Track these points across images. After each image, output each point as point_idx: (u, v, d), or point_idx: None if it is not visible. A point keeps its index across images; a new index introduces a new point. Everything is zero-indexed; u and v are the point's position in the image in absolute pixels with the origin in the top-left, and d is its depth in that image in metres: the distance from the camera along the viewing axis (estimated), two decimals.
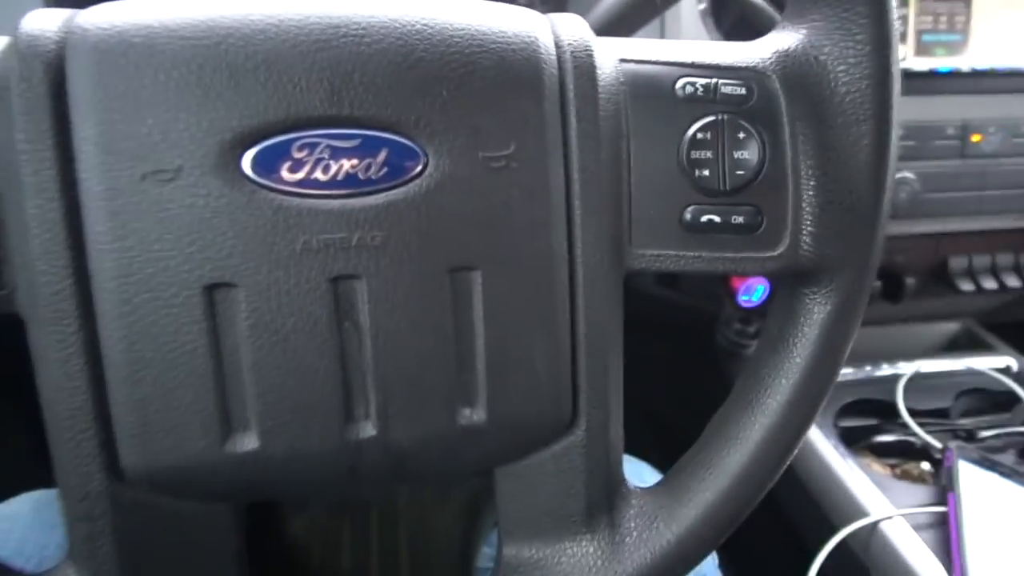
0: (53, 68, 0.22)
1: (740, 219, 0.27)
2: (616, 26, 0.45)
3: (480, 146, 0.25)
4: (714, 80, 0.27)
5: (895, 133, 0.28)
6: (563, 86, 0.26)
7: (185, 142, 0.22)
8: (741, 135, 0.27)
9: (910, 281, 0.65)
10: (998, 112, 0.59)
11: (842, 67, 0.27)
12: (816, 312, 0.29)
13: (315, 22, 0.24)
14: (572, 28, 0.27)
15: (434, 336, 0.26)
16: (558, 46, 0.26)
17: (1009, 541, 0.50)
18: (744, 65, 0.28)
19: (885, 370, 0.70)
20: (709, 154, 0.27)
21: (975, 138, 0.58)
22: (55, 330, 0.23)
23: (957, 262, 0.66)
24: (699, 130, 0.27)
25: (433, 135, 0.24)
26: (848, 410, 0.65)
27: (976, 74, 0.58)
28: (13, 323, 0.24)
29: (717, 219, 0.27)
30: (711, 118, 0.27)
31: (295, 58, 0.23)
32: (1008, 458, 0.59)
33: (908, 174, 0.57)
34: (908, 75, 0.56)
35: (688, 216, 0.27)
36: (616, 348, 0.28)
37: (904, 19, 0.56)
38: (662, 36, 0.57)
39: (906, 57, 0.56)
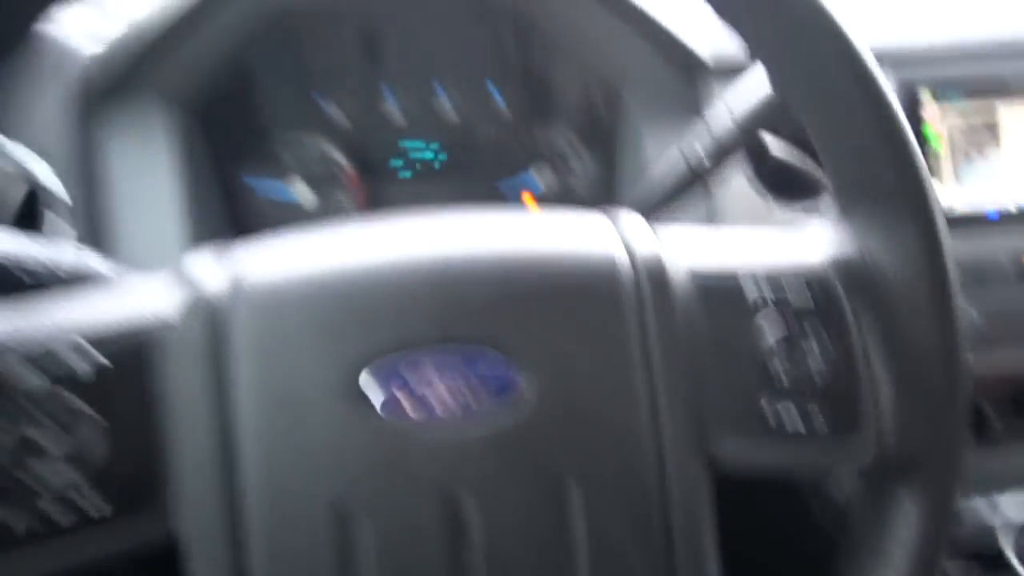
0: (220, 321, 0.26)
1: (819, 417, 0.28)
2: (667, 199, 0.49)
3: (570, 365, 0.27)
4: (783, 295, 0.29)
5: (960, 318, 0.28)
6: (641, 303, 0.28)
7: (321, 378, 0.26)
8: (814, 343, 0.28)
9: (994, 423, 0.62)
10: None
11: (895, 267, 0.28)
12: (908, 510, 0.28)
13: (424, 268, 0.28)
14: (642, 240, 0.30)
15: (539, 553, 0.27)
16: (633, 264, 0.29)
17: None
18: (807, 273, 0.29)
19: (987, 509, 0.65)
20: (786, 362, 0.28)
21: None
22: (209, 551, 0.25)
23: None
24: (772, 337, 0.28)
25: (524, 358, 0.26)
26: (953, 557, 0.61)
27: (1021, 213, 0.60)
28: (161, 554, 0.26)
29: (797, 417, 0.28)
30: (781, 324, 0.28)
31: (408, 300, 0.27)
32: None
33: (974, 313, 0.57)
34: (954, 218, 0.59)
35: (768, 414, 0.28)
36: (711, 547, 0.28)
37: (938, 162, 0.59)
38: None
39: (950, 198, 0.59)
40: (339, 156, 0.66)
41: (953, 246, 0.59)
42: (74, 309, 0.27)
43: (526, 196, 0.68)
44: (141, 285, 0.30)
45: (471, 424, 0.26)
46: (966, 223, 0.59)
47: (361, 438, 0.26)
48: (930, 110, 0.60)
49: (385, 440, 0.26)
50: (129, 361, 0.26)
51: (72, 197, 0.56)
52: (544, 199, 0.68)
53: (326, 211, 0.66)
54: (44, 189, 0.55)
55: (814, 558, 0.34)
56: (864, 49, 0.28)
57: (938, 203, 0.28)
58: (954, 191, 0.60)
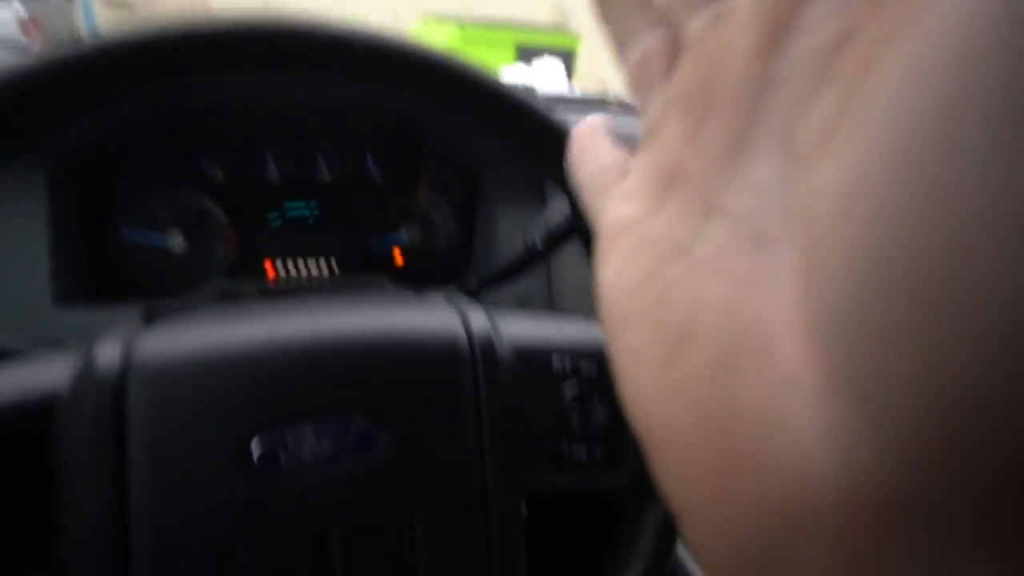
0: (117, 393, 0.30)
1: (599, 453, 0.39)
2: (513, 274, 0.56)
3: (419, 421, 0.34)
4: (577, 366, 0.39)
5: None
6: (475, 372, 0.36)
7: (213, 441, 0.31)
8: (596, 399, 0.39)
9: None
10: None
11: None
12: (652, 517, 0.40)
13: (299, 346, 0.33)
14: (479, 324, 0.38)
15: (390, 567, 0.33)
16: (470, 341, 0.36)
17: None
18: (595, 348, 0.40)
19: None
20: (578, 416, 0.38)
21: None
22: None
23: None
24: (569, 395, 0.38)
25: (385, 419, 0.33)
26: None
27: None
28: None
29: (584, 454, 0.38)
30: (576, 388, 0.39)
31: (288, 376, 0.32)
32: None
33: None
34: None
35: (564, 452, 0.38)
36: (522, 552, 0.37)
37: None
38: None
39: None
40: (216, 209, 0.69)
41: None
42: None
43: (396, 251, 0.75)
44: (32, 361, 0.32)
45: (336, 469, 0.32)
46: None
47: (244, 487, 0.31)
48: None
49: (264, 486, 0.31)
50: (19, 435, 0.29)
51: None
52: (410, 253, 0.76)
53: (197, 257, 0.68)
54: None
55: (598, 554, 0.47)
56: None
57: None
58: None
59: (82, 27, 6.59)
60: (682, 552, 0.72)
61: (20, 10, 6.31)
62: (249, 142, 0.69)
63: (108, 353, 0.31)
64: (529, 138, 0.36)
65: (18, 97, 0.27)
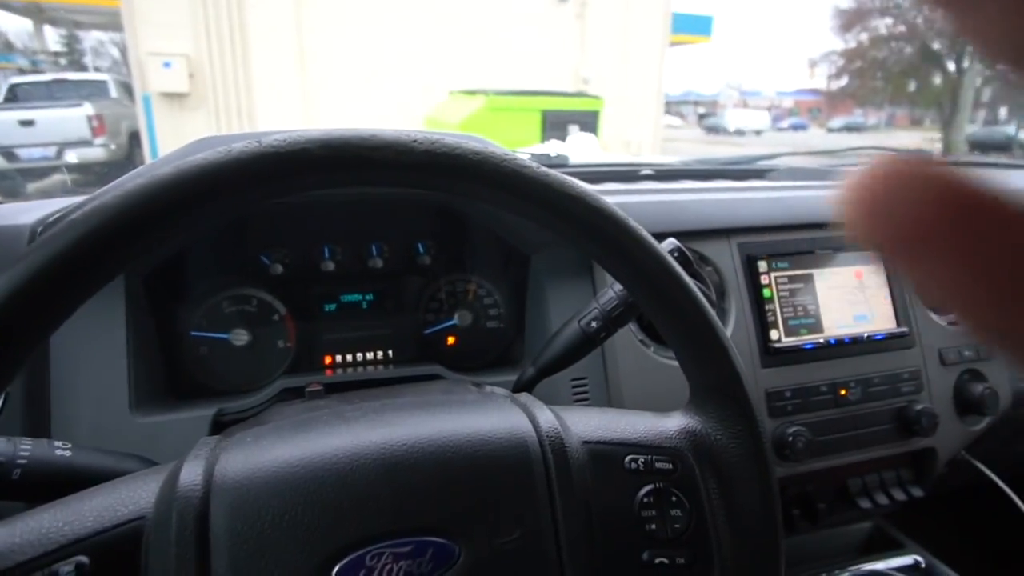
0: (201, 515, 0.30)
1: (681, 560, 0.36)
2: (569, 360, 0.55)
3: (496, 533, 0.33)
4: (651, 458, 0.37)
5: (776, 488, 0.38)
6: (548, 475, 0.35)
7: (295, 565, 0.30)
8: (673, 498, 0.37)
9: (821, 506, 0.76)
10: (856, 371, 0.76)
11: (731, 444, 0.38)
12: None
13: (376, 463, 0.32)
14: (547, 422, 0.36)
15: None
16: (541, 444, 0.35)
17: None
18: (669, 445, 0.38)
19: None
20: (653, 512, 0.36)
21: (842, 392, 0.75)
22: None
23: (854, 484, 0.78)
24: (644, 495, 0.36)
25: (462, 535, 0.32)
26: None
27: (831, 346, 0.76)
28: None
29: (666, 560, 0.36)
30: (651, 487, 0.37)
31: (366, 493, 0.32)
32: None
33: (801, 427, 0.71)
34: (784, 351, 0.74)
35: (645, 557, 0.36)
36: None
37: (773, 312, 0.75)
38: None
39: (780, 339, 0.74)
40: (276, 302, 0.70)
41: (783, 374, 0.72)
42: (57, 514, 0.30)
43: (451, 338, 0.75)
44: (120, 483, 0.33)
45: None
46: (792, 354, 0.74)
47: None
48: (765, 273, 0.75)
49: None
50: (111, 559, 0.29)
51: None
52: (462, 335, 0.75)
53: (261, 349, 0.69)
54: None
55: None
56: (694, 291, 0.36)
57: (753, 398, 0.37)
58: (782, 331, 0.75)
59: (143, 123, 7.10)
60: None
61: (90, 110, 6.88)
62: (306, 237, 0.70)
63: (191, 473, 0.31)
64: (577, 224, 0.35)
65: (119, 230, 0.28)
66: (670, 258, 0.36)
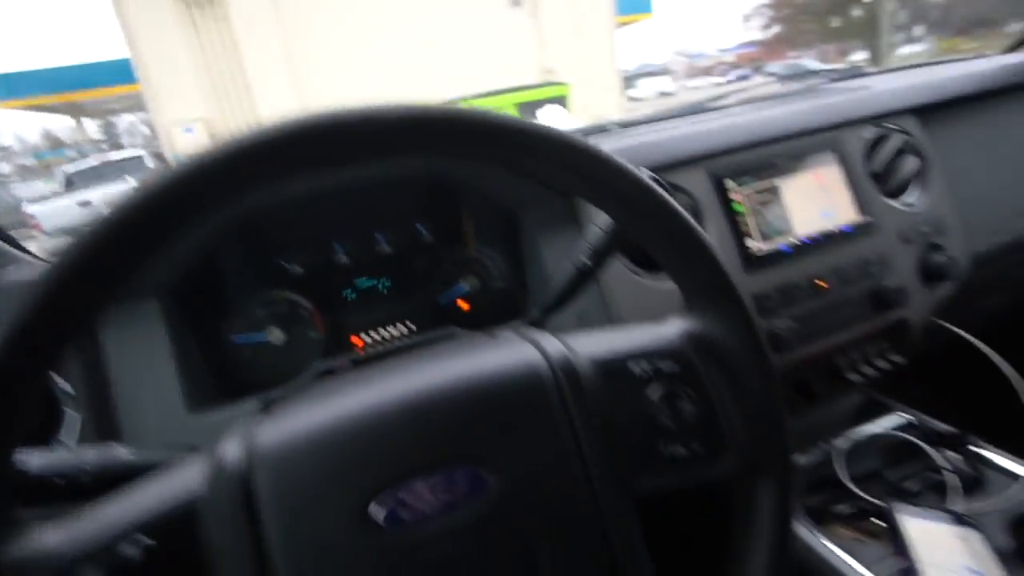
0: (247, 485, 0.28)
1: (697, 446, 0.34)
2: (569, 296, 0.52)
3: (520, 454, 0.31)
4: (656, 362, 0.35)
5: (775, 370, 0.35)
6: (562, 395, 0.32)
7: (338, 512, 0.28)
8: (683, 395, 0.34)
9: (816, 386, 0.74)
10: (830, 263, 0.72)
11: (728, 336, 0.35)
12: (763, 494, 0.35)
13: (397, 408, 0.30)
14: (554, 348, 0.34)
15: None
16: (551, 367, 0.33)
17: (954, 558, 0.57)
18: (671, 348, 0.35)
19: (825, 448, 0.76)
20: (667, 411, 0.34)
21: (821, 283, 0.71)
22: None
23: (842, 362, 0.76)
24: (656, 397, 0.34)
25: (489, 462, 0.30)
26: (808, 489, 0.70)
27: (805, 244, 0.72)
28: None
29: (683, 450, 0.34)
30: (661, 388, 0.34)
31: (392, 437, 0.30)
32: (929, 498, 0.67)
33: (789, 320, 0.68)
34: (763, 257, 0.70)
35: (664, 451, 0.33)
36: (643, 553, 0.32)
37: (747, 224, 0.71)
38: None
39: (759, 246, 0.70)
40: (302, 300, 0.68)
41: (766, 277, 0.68)
42: (117, 505, 0.28)
43: (461, 302, 0.72)
44: (171, 470, 0.31)
45: (455, 517, 0.29)
46: (770, 259, 0.70)
47: (375, 549, 0.28)
48: (734, 191, 0.71)
49: (394, 544, 0.28)
50: (172, 537, 0.28)
51: (76, 386, 0.54)
52: (473, 299, 0.73)
53: (295, 344, 0.67)
54: (59, 389, 0.54)
55: (717, 544, 0.41)
56: (671, 203, 0.33)
57: (744, 293, 0.35)
58: (758, 239, 0.71)
59: None
60: (802, 531, 0.65)
61: (133, 182, 6.88)
62: (317, 236, 0.68)
63: (233, 450, 0.29)
64: (578, 174, 0.32)
65: (123, 243, 0.25)
66: (645, 176, 0.33)
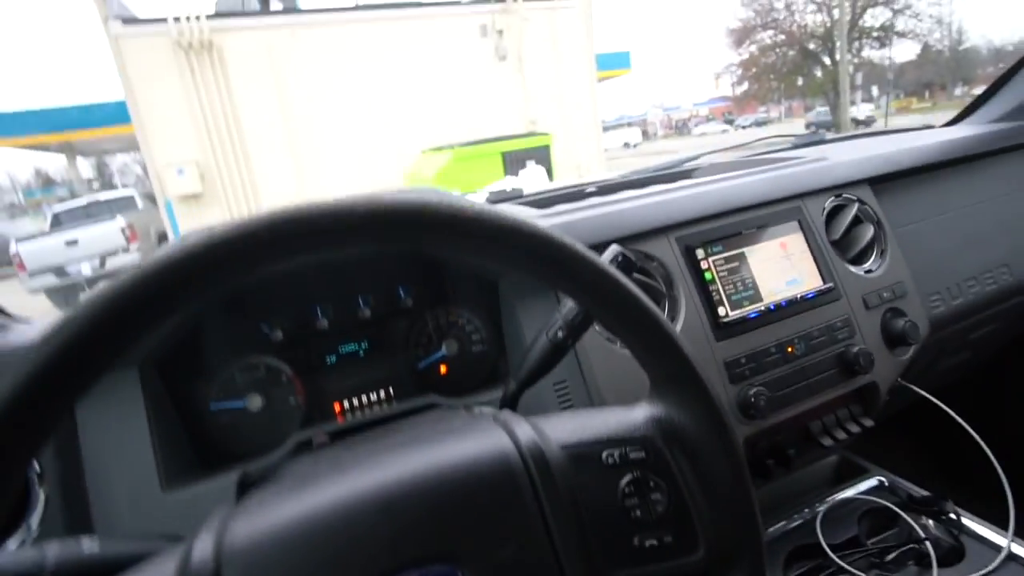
0: None
1: (669, 539, 0.33)
2: (544, 370, 0.51)
3: (492, 549, 0.30)
4: (625, 449, 0.34)
5: (742, 456, 0.34)
6: (533, 484, 0.32)
7: None
8: (651, 483, 0.34)
9: (791, 452, 0.74)
10: (797, 329, 0.73)
11: (693, 423, 0.35)
12: None
13: (370, 506, 0.30)
14: (525, 435, 0.34)
15: None
16: (522, 457, 0.32)
17: None
18: (639, 435, 0.35)
19: (806, 514, 0.75)
20: (636, 499, 0.33)
21: (789, 349, 0.72)
22: None
23: (814, 427, 0.76)
24: (624, 485, 0.33)
25: (461, 557, 0.30)
26: (790, 558, 0.69)
27: (772, 311, 0.73)
28: None
29: (655, 542, 0.33)
30: (629, 476, 0.34)
31: (367, 535, 0.29)
32: (909, 570, 0.65)
33: (760, 387, 0.68)
34: (732, 323, 0.71)
35: (636, 542, 0.33)
36: None
37: (717, 291, 0.72)
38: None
39: (727, 313, 0.72)
40: (282, 365, 0.67)
41: (736, 344, 0.68)
42: None
43: (443, 367, 0.72)
44: (142, 567, 0.29)
45: None
46: (739, 325, 0.71)
47: None
48: (703, 259, 0.72)
49: None
50: None
51: (44, 463, 0.52)
52: (452, 363, 0.72)
53: (275, 410, 0.65)
54: (31, 468, 0.51)
55: None
56: (634, 291, 0.33)
57: (709, 382, 0.34)
58: (728, 306, 0.72)
59: (168, 224, 7.05)
60: None
61: (122, 222, 6.82)
62: (298, 302, 0.67)
63: (203, 548, 0.28)
64: (517, 251, 0.32)
65: (117, 319, 0.25)
66: (607, 265, 0.33)
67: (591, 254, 0.33)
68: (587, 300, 0.34)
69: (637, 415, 0.37)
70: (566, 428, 0.36)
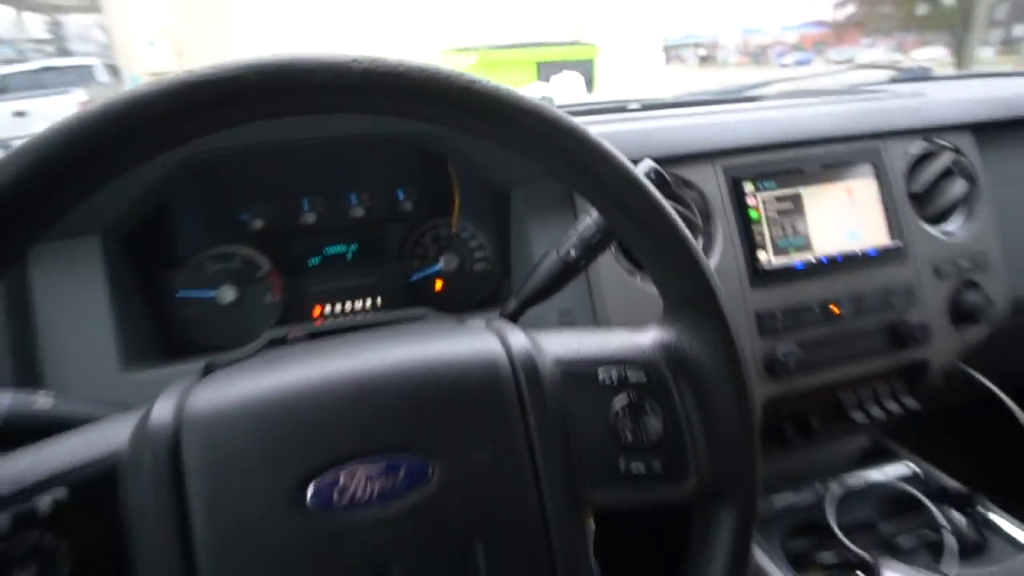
0: (173, 448, 0.30)
1: (657, 466, 0.36)
2: (551, 290, 0.54)
3: (469, 449, 0.33)
4: (624, 370, 0.37)
5: (751, 390, 0.37)
6: (520, 393, 0.35)
7: (267, 488, 0.30)
8: (648, 408, 0.37)
9: (815, 421, 0.77)
10: (848, 288, 0.75)
11: (705, 354, 0.37)
12: (721, 521, 0.37)
13: (345, 386, 0.33)
14: (518, 343, 0.36)
15: None
16: (511, 363, 0.35)
17: None
18: (641, 357, 0.38)
19: (818, 490, 0.80)
20: (629, 422, 0.36)
21: (834, 309, 0.74)
22: None
23: (847, 398, 0.79)
24: (619, 407, 0.36)
25: (433, 452, 0.32)
26: (793, 532, 0.73)
27: (822, 264, 0.75)
28: None
29: (643, 467, 0.36)
30: (625, 398, 0.37)
31: (336, 416, 0.32)
32: (922, 558, 0.70)
33: (791, 345, 0.71)
34: (774, 272, 0.73)
35: (622, 466, 0.36)
36: (589, 570, 0.35)
37: (761, 233, 0.74)
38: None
39: (768, 260, 0.73)
40: (260, 257, 0.70)
41: (773, 295, 0.70)
42: (33, 454, 0.31)
43: (438, 283, 0.75)
44: (96, 425, 0.33)
45: (390, 506, 0.32)
46: (781, 275, 0.73)
47: (300, 530, 0.30)
48: (751, 195, 0.74)
49: (319, 527, 0.31)
50: (89, 493, 0.30)
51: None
52: (449, 279, 0.75)
53: (248, 306, 0.69)
54: None
55: (671, 565, 0.43)
56: (663, 205, 0.35)
57: (728, 309, 0.37)
58: (771, 252, 0.74)
59: None
60: (759, 554, 0.68)
61: (81, 96, 6.80)
62: (284, 190, 0.70)
63: (163, 410, 0.32)
64: (537, 140, 0.34)
65: (56, 172, 0.27)
66: (635, 170, 0.35)
67: (620, 155, 0.35)
68: (609, 206, 0.36)
69: (644, 338, 0.39)
70: (564, 343, 0.38)
